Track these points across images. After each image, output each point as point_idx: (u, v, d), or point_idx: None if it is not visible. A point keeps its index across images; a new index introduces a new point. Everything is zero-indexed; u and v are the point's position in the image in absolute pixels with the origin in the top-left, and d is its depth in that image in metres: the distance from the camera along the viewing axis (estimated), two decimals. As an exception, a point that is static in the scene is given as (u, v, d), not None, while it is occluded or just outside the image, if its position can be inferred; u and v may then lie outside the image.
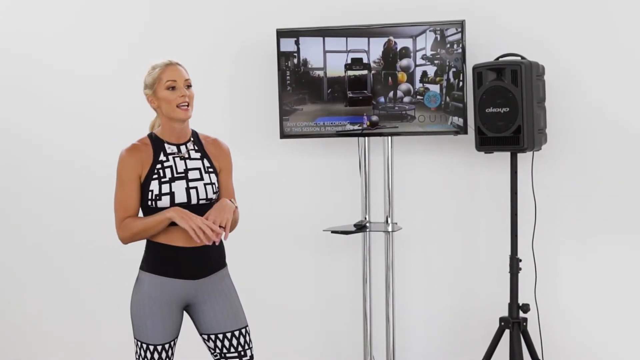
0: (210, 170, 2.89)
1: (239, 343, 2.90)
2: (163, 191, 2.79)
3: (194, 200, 2.82)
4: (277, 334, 4.24)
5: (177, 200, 2.79)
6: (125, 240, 2.86)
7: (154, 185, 2.80)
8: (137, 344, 2.86)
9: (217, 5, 4.20)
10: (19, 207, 4.58)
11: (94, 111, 4.39)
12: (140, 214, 2.88)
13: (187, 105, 2.82)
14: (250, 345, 2.94)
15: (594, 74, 3.74)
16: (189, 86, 2.85)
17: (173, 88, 2.81)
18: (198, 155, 2.90)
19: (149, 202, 2.80)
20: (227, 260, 3.00)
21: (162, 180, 2.80)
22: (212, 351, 2.93)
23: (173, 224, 2.78)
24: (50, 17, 4.42)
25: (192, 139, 2.92)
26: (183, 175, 2.83)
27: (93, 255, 4.44)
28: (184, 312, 2.94)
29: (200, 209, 2.82)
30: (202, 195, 2.84)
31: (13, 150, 4.57)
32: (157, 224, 2.76)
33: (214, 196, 2.87)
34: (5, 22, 4.51)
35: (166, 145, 2.87)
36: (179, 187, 2.81)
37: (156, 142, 2.87)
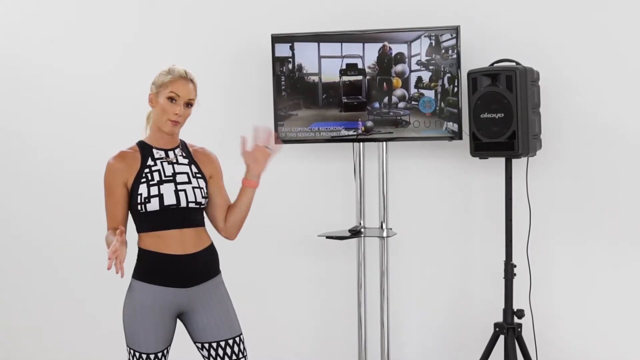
0: (199, 175, 2.90)
1: (232, 352, 2.89)
2: (152, 193, 2.79)
3: (183, 203, 2.82)
4: (272, 339, 4.23)
5: (166, 202, 2.79)
6: None
7: (143, 189, 2.80)
8: (130, 352, 2.85)
9: (212, 11, 4.20)
10: (15, 209, 4.57)
11: (89, 112, 4.39)
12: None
13: (178, 123, 2.83)
14: (245, 354, 2.93)
15: (588, 79, 3.75)
16: (189, 104, 2.86)
17: (173, 100, 2.82)
18: (186, 161, 2.91)
19: (139, 207, 2.80)
20: (221, 266, 3.00)
21: (151, 183, 2.80)
22: None
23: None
24: (46, 18, 4.43)
25: (180, 146, 2.94)
26: (171, 178, 2.84)
27: (91, 257, 4.40)
28: (179, 320, 2.93)
29: (191, 212, 2.84)
30: (192, 198, 2.84)
31: (9, 152, 4.57)
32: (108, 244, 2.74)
33: (202, 200, 2.87)
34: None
35: (154, 151, 2.88)
36: (168, 190, 2.81)
37: (144, 148, 2.88)
